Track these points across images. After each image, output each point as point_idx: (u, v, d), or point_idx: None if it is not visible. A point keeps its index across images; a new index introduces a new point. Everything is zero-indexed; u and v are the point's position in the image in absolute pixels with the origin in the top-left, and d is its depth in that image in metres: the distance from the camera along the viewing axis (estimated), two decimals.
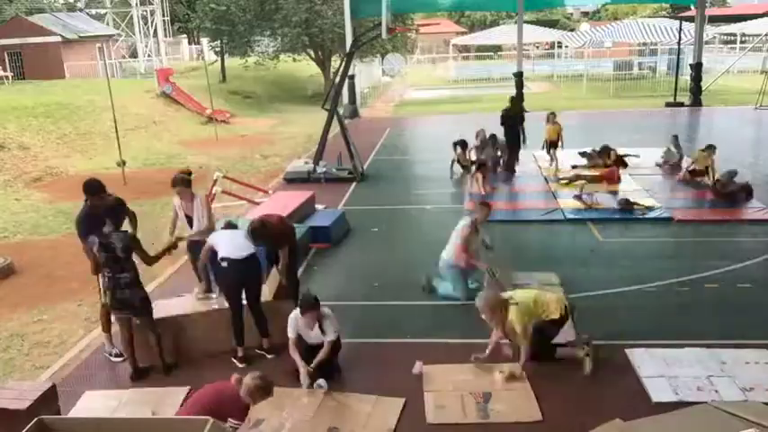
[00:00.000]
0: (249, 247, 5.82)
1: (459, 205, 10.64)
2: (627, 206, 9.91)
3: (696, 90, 22.49)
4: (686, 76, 24.36)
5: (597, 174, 11.95)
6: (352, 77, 22.17)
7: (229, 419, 4.14)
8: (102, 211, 5.70)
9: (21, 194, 12.84)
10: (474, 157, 12.50)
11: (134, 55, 37.71)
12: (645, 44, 36.76)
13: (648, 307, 6.70)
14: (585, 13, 62.18)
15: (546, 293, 5.77)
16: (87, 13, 40.32)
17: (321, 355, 5.36)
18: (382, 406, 5.03)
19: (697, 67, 22.48)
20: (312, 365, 5.33)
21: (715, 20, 38.18)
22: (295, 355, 5.38)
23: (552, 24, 50.93)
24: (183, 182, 6.59)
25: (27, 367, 6.08)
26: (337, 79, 13.96)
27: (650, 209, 9.92)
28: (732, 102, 22.88)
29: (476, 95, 28.61)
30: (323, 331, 5.39)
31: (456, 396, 5.11)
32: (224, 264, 5.71)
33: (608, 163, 12.61)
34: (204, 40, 30.34)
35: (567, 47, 41.37)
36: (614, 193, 10.95)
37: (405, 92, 32.52)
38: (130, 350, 5.66)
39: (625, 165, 12.72)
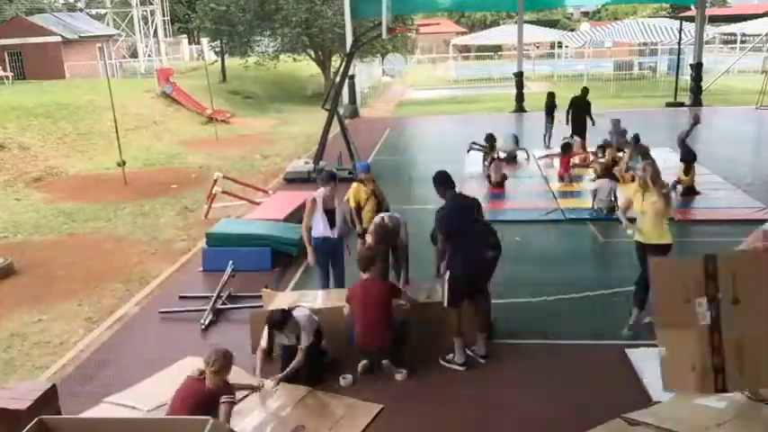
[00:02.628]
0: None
1: None
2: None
3: (696, 90, 22.48)
4: (686, 76, 24.35)
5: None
6: (352, 77, 22.15)
7: (221, 398, 4.29)
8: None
9: (21, 194, 12.85)
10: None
11: (134, 55, 37.72)
12: (645, 44, 36.76)
13: (649, 307, 6.69)
14: (586, 13, 62.10)
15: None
16: (87, 13, 40.36)
17: (294, 364, 5.33)
18: (356, 410, 5.03)
19: (697, 67, 22.47)
20: (284, 375, 5.29)
21: (715, 20, 38.19)
22: (258, 362, 5.39)
23: (552, 24, 50.90)
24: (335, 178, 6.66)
25: (27, 367, 6.08)
26: (337, 79, 13.96)
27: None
28: (732, 102, 22.87)
29: (476, 95, 28.61)
30: (298, 340, 5.39)
31: None
32: None
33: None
34: (204, 41, 30.36)
35: (567, 47, 41.37)
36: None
37: (405, 92, 32.52)
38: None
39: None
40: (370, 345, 5.46)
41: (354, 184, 7.37)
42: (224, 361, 4.38)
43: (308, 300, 6.13)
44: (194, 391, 4.35)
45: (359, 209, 7.18)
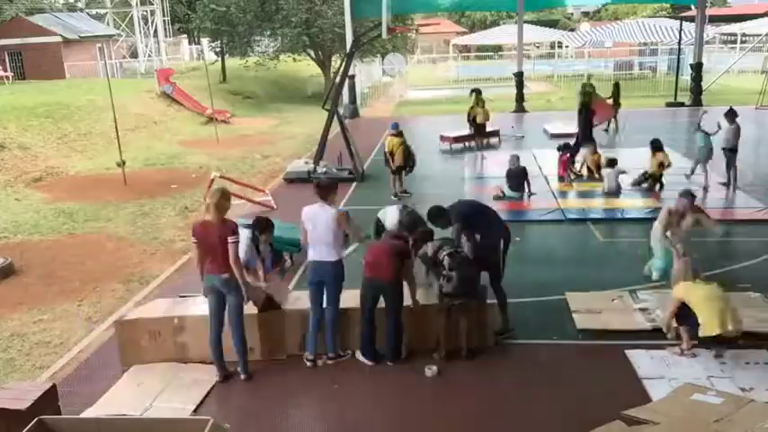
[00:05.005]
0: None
1: None
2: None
3: (696, 90, 22.47)
4: (686, 76, 24.35)
5: None
6: (352, 77, 22.15)
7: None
8: None
9: (21, 194, 12.84)
10: None
11: (134, 55, 37.70)
12: (645, 44, 36.76)
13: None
14: (586, 13, 62.07)
15: (723, 306, 5.32)
16: (87, 13, 40.31)
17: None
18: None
19: (697, 67, 22.46)
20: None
21: (715, 20, 38.18)
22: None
23: (552, 24, 50.90)
24: None
25: (27, 367, 6.09)
26: (337, 79, 13.97)
27: None
28: (732, 102, 22.81)
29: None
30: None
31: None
32: None
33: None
34: (204, 41, 30.33)
35: (567, 47, 41.37)
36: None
37: (405, 92, 32.51)
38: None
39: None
40: (375, 276, 5.61)
41: (388, 137, 11.69)
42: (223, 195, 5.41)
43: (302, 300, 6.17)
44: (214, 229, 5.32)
45: (392, 154, 11.40)
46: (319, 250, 5.63)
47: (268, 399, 5.34)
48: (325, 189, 5.73)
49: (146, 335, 5.83)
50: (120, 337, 5.92)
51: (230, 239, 5.25)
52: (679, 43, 25.24)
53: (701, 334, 5.31)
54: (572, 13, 61.38)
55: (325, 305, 5.70)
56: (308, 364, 5.71)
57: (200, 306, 5.90)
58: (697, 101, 22.25)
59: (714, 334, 5.22)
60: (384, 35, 15.14)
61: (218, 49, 30.34)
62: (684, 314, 5.44)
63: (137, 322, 5.93)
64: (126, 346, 5.87)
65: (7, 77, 27.90)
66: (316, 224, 5.62)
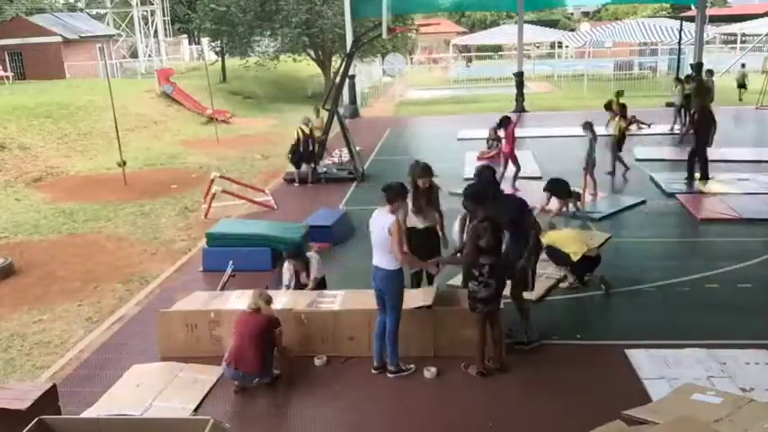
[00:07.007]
0: None
1: (458, 205, 10.60)
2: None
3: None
4: None
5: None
6: (352, 77, 22.15)
7: (276, 330, 5.37)
8: None
9: (21, 194, 12.85)
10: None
11: (134, 55, 37.70)
12: (645, 44, 36.76)
13: (648, 307, 6.70)
14: (586, 13, 62.05)
15: (580, 238, 7.34)
16: (88, 13, 40.32)
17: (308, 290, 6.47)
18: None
19: (698, 67, 22.44)
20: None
21: (715, 20, 38.20)
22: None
23: (552, 24, 50.89)
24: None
25: (27, 367, 6.09)
26: (338, 79, 13.97)
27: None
28: (732, 102, 22.84)
29: (476, 95, 28.59)
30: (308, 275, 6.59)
31: None
32: None
33: None
34: (204, 41, 30.35)
35: (567, 47, 41.37)
36: None
37: (405, 92, 32.52)
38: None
39: None
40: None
41: None
42: (269, 295, 5.51)
43: (326, 300, 6.18)
44: (255, 321, 5.28)
45: None
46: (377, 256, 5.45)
47: (268, 399, 5.34)
48: (392, 193, 5.48)
49: (183, 327, 5.95)
50: (161, 328, 6.02)
51: (278, 330, 5.37)
52: (679, 43, 25.21)
53: (573, 260, 6.92)
54: (572, 13, 61.37)
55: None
56: (374, 371, 5.55)
57: (237, 300, 6.12)
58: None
59: (580, 255, 6.90)
60: (384, 35, 15.16)
61: (218, 49, 30.33)
62: (557, 258, 7.11)
63: (176, 314, 6.07)
64: (164, 338, 5.99)
65: (7, 77, 27.90)
66: (373, 229, 5.49)
